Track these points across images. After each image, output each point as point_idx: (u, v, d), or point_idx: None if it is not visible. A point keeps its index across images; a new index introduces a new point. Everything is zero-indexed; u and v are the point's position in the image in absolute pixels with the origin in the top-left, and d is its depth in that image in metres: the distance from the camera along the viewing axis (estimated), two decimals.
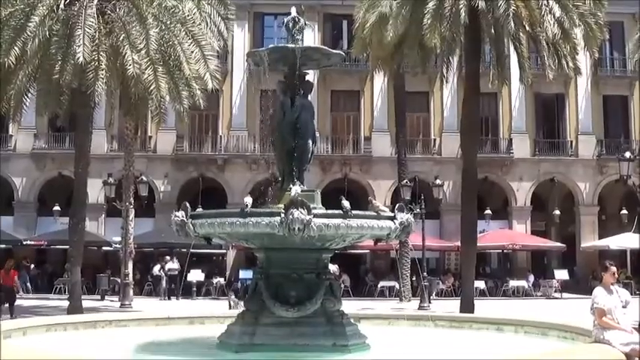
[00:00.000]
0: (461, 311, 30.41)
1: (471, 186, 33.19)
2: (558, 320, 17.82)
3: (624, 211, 54.43)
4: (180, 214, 13.73)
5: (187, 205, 13.94)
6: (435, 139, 56.40)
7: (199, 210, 14.20)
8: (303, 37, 15.08)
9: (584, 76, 54.57)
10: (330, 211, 13.22)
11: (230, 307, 30.20)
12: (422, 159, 54.39)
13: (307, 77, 15.30)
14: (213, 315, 19.63)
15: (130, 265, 41.10)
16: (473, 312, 29.64)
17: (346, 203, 13.01)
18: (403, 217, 13.75)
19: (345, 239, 13.81)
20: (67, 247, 34.40)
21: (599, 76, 57.70)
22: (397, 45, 33.83)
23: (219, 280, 50.18)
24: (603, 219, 57.79)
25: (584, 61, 52.36)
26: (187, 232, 13.65)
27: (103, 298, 44.32)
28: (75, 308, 30.43)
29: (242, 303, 14.37)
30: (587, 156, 57.15)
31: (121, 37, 29.33)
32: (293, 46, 14.73)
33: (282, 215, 12.62)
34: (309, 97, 15.31)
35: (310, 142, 14.82)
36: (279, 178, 14.85)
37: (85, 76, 28.71)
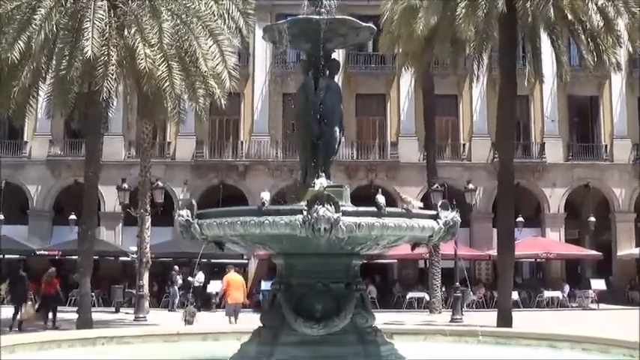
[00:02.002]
0: (498, 324, 28.69)
1: (508, 192, 31.38)
2: (618, 336, 15.60)
3: None
4: (185, 212, 11.71)
5: (193, 202, 11.92)
6: (464, 144, 54.70)
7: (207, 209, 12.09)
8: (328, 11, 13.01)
9: (618, 78, 53.55)
10: (361, 209, 11.12)
11: (185, 321, 28.34)
12: (451, 164, 52.30)
13: (333, 55, 13.19)
14: (230, 330, 17.52)
15: (146, 275, 39.54)
16: (511, 324, 28.17)
17: (381, 199, 10.95)
18: (448, 215, 11.67)
19: (379, 242, 11.69)
20: None
21: (634, 77, 55.57)
22: (427, 39, 31.96)
23: None
24: (638, 226, 55.44)
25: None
26: (193, 234, 11.65)
27: (117, 311, 42.56)
28: (84, 322, 28.60)
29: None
30: (622, 160, 55.39)
31: (133, 31, 27.57)
32: (317, 17, 12.65)
33: (305, 213, 10.57)
34: (336, 79, 13.20)
35: (337, 129, 12.76)
36: (301, 173, 12.75)
37: (94, 73, 26.85)
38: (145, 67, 26.89)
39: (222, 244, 12.62)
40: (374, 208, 10.95)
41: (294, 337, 11.80)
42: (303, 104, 12.75)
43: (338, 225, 10.52)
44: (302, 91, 12.84)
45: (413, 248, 12.94)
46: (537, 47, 31.95)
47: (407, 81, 52.74)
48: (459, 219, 11.77)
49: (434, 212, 11.74)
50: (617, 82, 54.88)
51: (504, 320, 28.64)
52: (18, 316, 31.81)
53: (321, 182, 11.64)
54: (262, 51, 53.79)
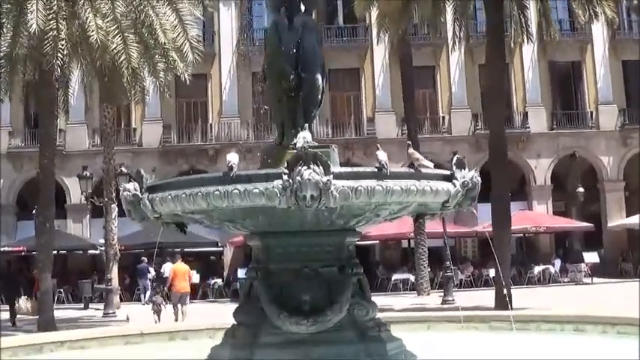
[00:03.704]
0: (496, 304, 26.82)
1: (501, 164, 29.32)
2: None
3: None
4: (132, 186, 9.27)
5: (143, 172, 9.46)
6: (443, 117, 52.46)
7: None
8: None
9: (600, 42, 52.81)
10: (358, 169, 8.73)
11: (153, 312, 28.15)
12: (431, 139, 49.81)
13: None
14: (201, 327, 15.05)
15: (115, 269, 37.28)
16: (511, 304, 25.66)
17: (382, 155, 8.56)
18: (466, 175, 9.28)
19: (380, 213, 9.31)
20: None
21: (617, 40, 53.89)
22: None
23: (217, 282, 46.09)
24: (627, 195, 53.67)
25: (599, 25, 49.20)
26: (143, 212, 9.30)
27: (86, 307, 40.21)
28: (46, 321, 26.23)
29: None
30: (609, 127, 53.44)
31: (83, 1, 24.99)
32: None
33: (286, 177, 8.17)
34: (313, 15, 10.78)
35: (319, 76, 10.33)
36: (277, 133, 10.30)
37: (42, 50, 24.37)
38: (96, 40, 24.41)
39: (184, 225, 10.22)
40: (373, 168, 8.57)
41: (277, 337, 9.53)
42: (275, 48, 10.37)
43: (329, 191, 8.20)
44: (273, 32, 10.44)
45: (416, 220, 10.56)
46: (524, 2, 29.70)
47: (381, 54, 51.21)
48: (480, 179, 9.37)
49: (447, 172, 9.35)
50: (600, 45, 53.45)
51: (503, 300, 26.35)
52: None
53: (304, 136, 9.23)
54: (228, 29, 52.02)
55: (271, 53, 10.44)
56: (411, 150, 9.78)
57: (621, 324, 13.05)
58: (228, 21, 51.92)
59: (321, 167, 8.18)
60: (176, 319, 27.95)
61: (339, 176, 8.38)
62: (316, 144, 9.86)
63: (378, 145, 8.94)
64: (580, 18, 30.54)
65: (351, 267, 9.94)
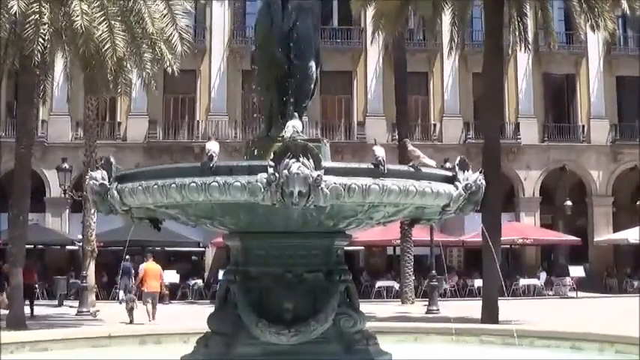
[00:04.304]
0: (483, 315, 25.83)
1: (494, 172, 28.13)
2: None
3: None
4: (100, 175, 8.36)
5: (112, 160, 8.55)
6: (435, 124, 51.74)
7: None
8: None
9: (595, 56, 52.80)
10: (352, 165, 7.83)
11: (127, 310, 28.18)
12: (421, 146, 48.15)
13: None
14: (175, 331, 14.15)
15: (92, 266, 36.16)
16: (497, 316, 25.42)
17: (380, 151, 7.69)
18: (470, 177, 8.43)
19: (374, 215, 8.45)
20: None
21: (612, 55, 53.57)
22: None
23: (197, 283, 45.09)
24: (614, 211, 53.21)
25: (595, 39, 48.78)
26: (111, 204, 8.37)
27: (60, 304, 39.14)
28: (16, 318, 25.25)
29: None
30: (600, 142, 52.93)
31: None
32: None
33: (271, 170, 7.27)
34: None
35: (312, 64, 9.47)
36: (264, 123, 9.40)
37: (23, 34, 23.50)
38: (81, 25, 23.45)
39: (158, 221, 9.31)
40: (369, 165, 7.69)
41: (254, 348, 8.70)
42: (266, 31, 9.49)
43: (319, 187, 7.32)
44: (265, 13, 9.63)
45: (412, 225, 9.71)
46: (523, 10, 28.92)
47: (374, 57, 50.82)
48: (484, 182, 8.50)
49: (449, 172, 8.49)
50: (595, 59, 52.98)
51: (490, 312, 25.63)
52: None
53: (294, 125, 8.33)
54: (220, 25, 51.19)
55: (262, 36, 9.57)
56: (410, 147, 8.91)
57: (620, 342, 12.31)
58: (220, 17, 51.14)
59: (311, 160, 7.33)
60: (153, 318, 27.65)
61: (330, 171, 7.54)
62: (306, 137, 9.00)
63: (375, 139, 8.10)
64: (580, 28, 29.59)
65: (339, 273, 9.13)
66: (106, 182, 8.42)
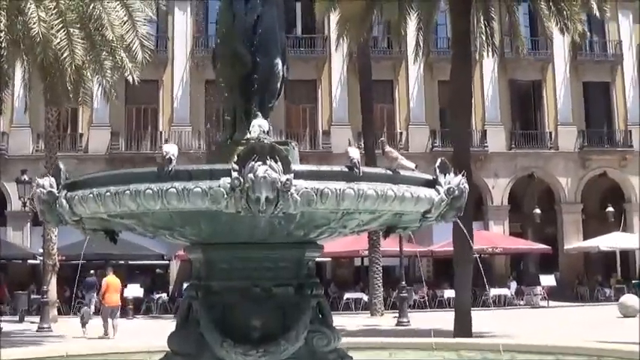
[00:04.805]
0: (455, 328, 25.01)
1: (465, 177, 27.42)
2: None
3: (610, 209, 51.07)
4: (48, 182, 7.60)
5: (62, 167, 7.80)
6: (401, 133, 51.11)
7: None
8: None
9: (562, 62, 52.69)
10: (324, 168, 7.12)
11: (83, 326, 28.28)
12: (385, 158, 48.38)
13: None
14: (137, 349, 13.38)
15: (54, 280, 35.52)
16: (471, 328, 24.77)
17: (354, 152, 7.01)
18: (452, 181, 7.75)
19: (348, 223, 7.71)
20: None
21: (579, 60, 53.41)
22: (371, 0, 28.06)
23: (162, 297, 44.17)
24: (584, 218, 52.96)
25: (560, 44, 48.61)
26: (61, 215, 7.59)
27: (21, 320, 38.11)
28: None
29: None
30: (568, 148, 52.66)
31: None
32: None
33: (235, 174, 6.54)
34: None
35: (278, 60, 8.75)
36: (226, 126, 8.68)
37: None
38: (38, 33, 22.69)
39: (113, 233, 8.55)
40: (342, 168, 7.00)
41: None
42: (228, 25, 8.75)
43: (288, 193, 6.56)
44: (227, 5, 8.82)
45: (386, 235, 9.04)
46: (490, 14, 28.49)
47: (339, 66, 50.48)
48: (467, 187, 7.84)
49: (429, 176, 7.81)
50: (561, 65, 52.90)
51: (463, 324, 24.99)
52: None
53: (260, 124, 7.58)
54: (182, 35, 50.63)
55: (224, 31, 8.84)
56: (388, 148, 8.21)
57: (608, 356, 11.65)
58: (183, 26, 50.57)
59: (279, 163, 6.58)
60: (106, 333, 27.27)
61: (301, 175, 6.79)
62: (273, 139, 8.28)
63: (350, 140, 7.38)
64: (548, 31, 29.18)
65: (311, 287, 8.38)
66: (55, 190, 7.68)
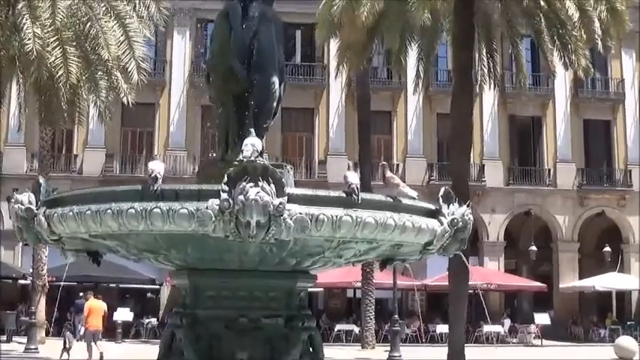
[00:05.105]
0: None
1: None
2: None
3: (607, 249, 49.94)
4: (26, 198, 7.15)
5: (42, 181, 7.37)
6: (398, 164, 50.55)
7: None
8: None
9: (563, 98, 52.25)
10: (321, 192, 6.69)
11: (64, 348, 28.03)
12: (384, 187, 47.56)
13: None
14: None
15: (43, 301, 35.13)
16: None
17: (353, 177, 6.58)
18: (456, 211, 7.30)
19: (344, 252, 7.27)
20: None
21: (580, 98, 52.88)
22: (371, 29, 27.65)
23: (152, 321, 43.56)
24: (580, 257, 52.41)
25: (562, 81, 48.38)
26: (38, 232, 7.14)
27: (9, 340, 37.77)
28: None
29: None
30: (566, 186, 52.02)
31: (21, 6, 22.95)
32: None
33: (225, 195, 6.08)
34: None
35: (275, 79, 8.34)
36: (219, 145, 8.24)
37: None
38: (32, 49, 22.31)
39: (96, 254, 8.08)
40: (340, 193, 6.56)
41: None
42: (224, 41, 8.34)
43: (281, 217, 6.11)
44: (223, 21, 8.44)
45: (382, 267, 8.58)
46: (492, 46, 28.23)
47: (337, 95, 50.10)
48: (472, 218, 7.39)
49: (432, 206, 7.36)
50: (562, 102, 52.31)
51: (457, 358, 24.55)
52: None
53: (252, 144, 7.06)
54: (180, 58, 50.19)
55: (219, 47, 8.43)
56: (389, 173, 7.79)
57: None
58: (181, 50, 50.23)
59: (272, 185, 6.17)
60: (89, 358, 27.00)
61: (295, 199, 6.38)
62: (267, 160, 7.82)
63: (349, 164, 6.93)
64: (551, 65, 28.88)
65: (302, 319, 7.96)
66: (33, 207, 7.22)
